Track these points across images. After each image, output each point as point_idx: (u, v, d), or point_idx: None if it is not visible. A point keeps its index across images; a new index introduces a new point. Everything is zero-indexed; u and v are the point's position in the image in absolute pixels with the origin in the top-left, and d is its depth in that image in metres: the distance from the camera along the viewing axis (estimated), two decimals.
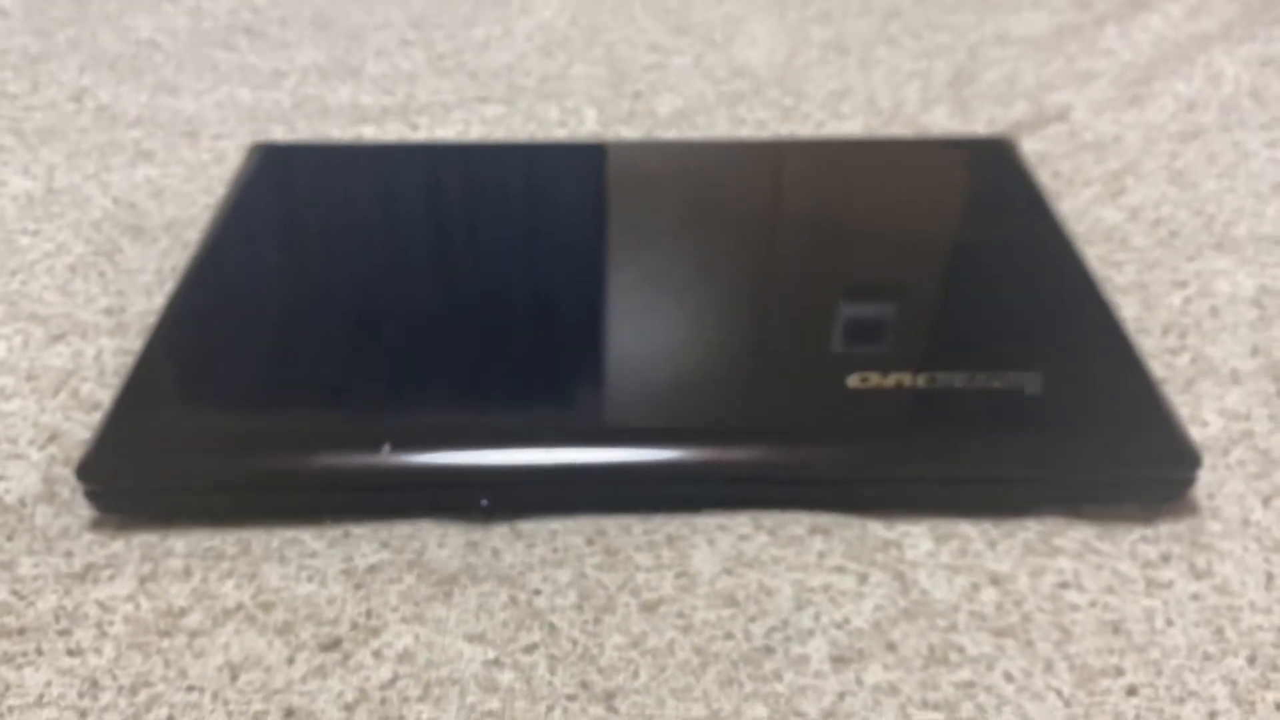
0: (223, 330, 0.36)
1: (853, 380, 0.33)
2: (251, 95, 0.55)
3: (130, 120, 0.52)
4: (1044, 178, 0.47)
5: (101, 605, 0.28)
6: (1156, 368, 0.37)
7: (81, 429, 0.35)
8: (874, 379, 0.33)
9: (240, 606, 0.28)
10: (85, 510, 0.32)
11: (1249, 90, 0.52)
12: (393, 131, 0.51)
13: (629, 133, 0.52)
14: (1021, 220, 0.41)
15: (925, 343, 0.35)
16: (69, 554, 0.30)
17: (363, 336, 0.36)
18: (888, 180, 0.44)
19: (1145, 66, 0.55)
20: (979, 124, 0.51)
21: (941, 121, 0.52)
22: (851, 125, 0.52)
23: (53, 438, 0.34)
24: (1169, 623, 0.28)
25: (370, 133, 0.51)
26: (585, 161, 0.46)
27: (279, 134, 0.51)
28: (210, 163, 0.49)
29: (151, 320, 0.38)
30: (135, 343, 0.38)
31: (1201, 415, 0.35)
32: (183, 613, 0.28)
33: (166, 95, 0.55)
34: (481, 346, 0.35)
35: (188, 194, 0.47)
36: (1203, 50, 0.54)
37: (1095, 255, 0.43)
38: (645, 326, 0.35)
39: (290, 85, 0.55)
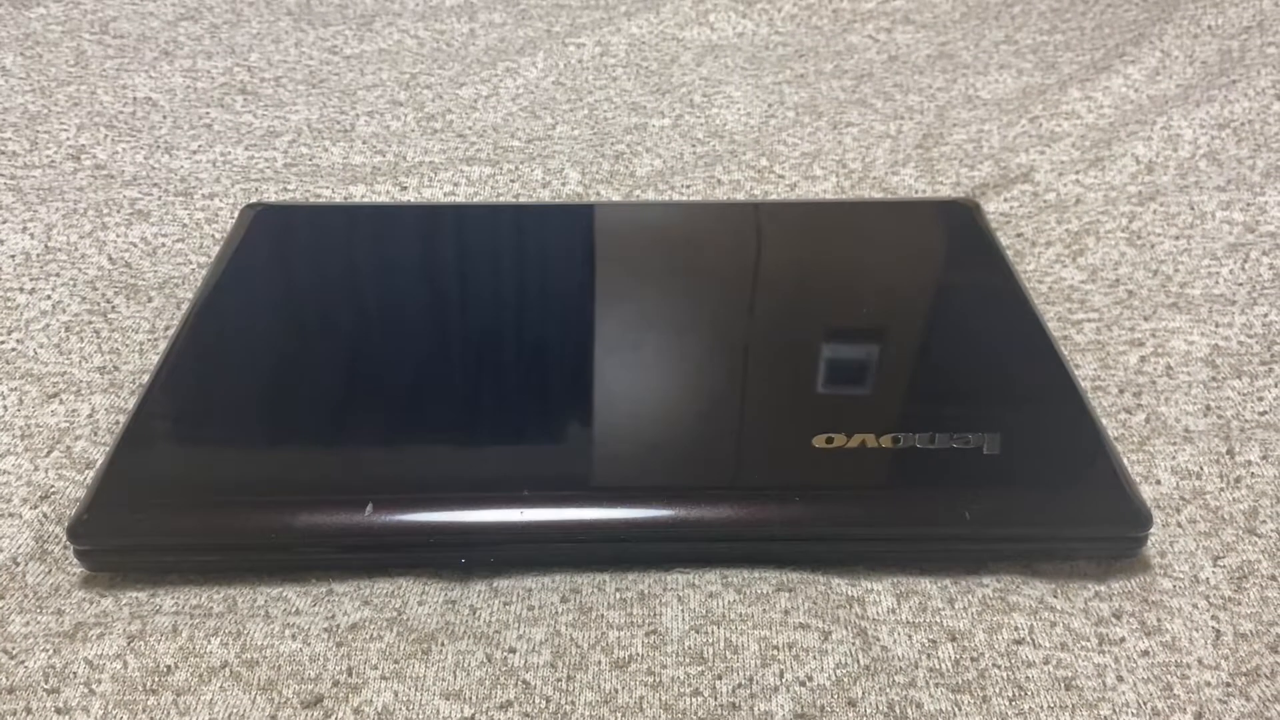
0: (212, 390, 0.37)
1: (818, 441, 0.34)
2: (245, 155, 0.56)
3: (127, 179, 0.54)
4: (1007, 238, 0.49)
5: (90, 664, 0.29)
6: (1112, 426, 0.38)
7: (74, 487, 0.36)
8: (839, 440, 0.34)
9: (225, 664, 0.29)
10: (76, 568, 0.33)
11: (1206, 152, 0.54)
12: (382, 192, 0.53)
13: (610, 193, 0.53)
14: (984, 281, 0.42)
15: (889, 404, 0.36)
16: (59, 612, 0.31)
17: (349, 397, 0.37)
18: (854, 242, 0.45)
19: (1106, 128, 0.57)
20: (946, 185, 0.53)
21: (909, 182, 0.53)
22: (823, 186, 0.53)
23: (45, 496, 0.35)
24: (1119, 679, 0.29)
25: (360, 192, 0.53)
26: (568, 222, 0.47)
27: (271, 193, 0.53)
28: (204, 222, 0.51)
29: (144, 379, 0.39)
30: (128, 401, 0.40)
31: (1155, 473, 0.36)
32: (169, 670, 0.29)
33: (162, 154, 0.56)
34: (463, 407, 0.36)
35: (181, 253, 0.49)
36: (1162, 112, 0.57)
37: (1055, 314, 0.44)
38: (620, 389, 0.37)
39: (283, 145, 0.57)
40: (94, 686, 0.29)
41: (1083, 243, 0.48)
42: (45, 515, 0.35)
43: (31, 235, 0.49)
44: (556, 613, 0.31)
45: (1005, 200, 0.52)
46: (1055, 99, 0.59)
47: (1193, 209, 0.50)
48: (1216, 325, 0.43)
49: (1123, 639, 0.31)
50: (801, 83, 0.64)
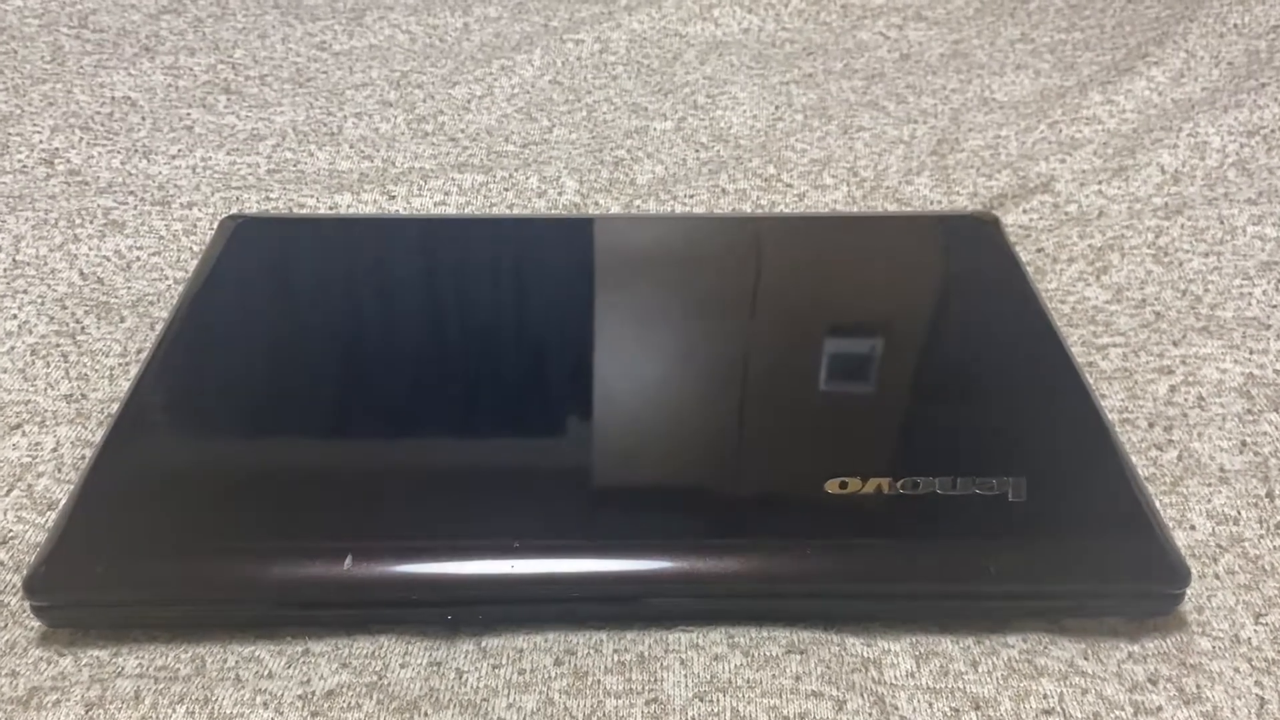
0: (184, 425, 0.35)
1: (831, 486, 0.32)
2: (227, 160, 0.54)
3: (102, 186, 0.51)
4: (1027, 253, 0.47)
5: None
6: (1142, 465, 0.36)
7: (34, 531, 0.33)
8: (852, 484, 0.32)
9: None
10: (33, 623, 0.30)
11: (1235, 161, 0.52)
12: (369, 201, 0.50)
13: (609, 202, 0.51)
14: (1005, 304, 0.40)
15: (906, 444, 0.34)
16: (14, 674, 0.29)
17: (331, 434, 0.35)
18: (868, 260, 0.43)
19: (1130, 135, 0.54)
20: (962, 195, 0.51)
21: (924, 192, 0.51)
22: (834, 195, 0.51)
23: (2, 541, 0.33)
24: None
25: (346, 201, 0.50)
26: (564, 238, 0.45)
27: (253, 201, 0.50)
28: (181, 233, 0.48)
29: (113, 409, 0.37)
30: (95, 433, 0.37)
31: (1189, 518, 0.34)
32: None
33: (140, 159, 0.54)
34: (451, 448, 0.34)
35: (157, 267, 0.46)
36: (1188, 118, 0.54)
37: (1079, 338, 0.42)
38: (618, 429, 0.35)
39: (266, 149, 0.55)
40: None
41: (1106, 259, 0.46)
42: (1, 563, 0.32)
43: None
44: (549, 677, 0.29)
45: (1024, 212, 0.50)
46: (1075, 102, 0.57)
47: (1222, 223, 0.48)
48: (1250, 352, 0.41)
49: (1160, 708, 0.28)
50: (810, 83, 0.61)
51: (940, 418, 0.35)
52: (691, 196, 0.51)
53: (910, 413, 0.36)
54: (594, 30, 0.66)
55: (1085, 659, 0.30)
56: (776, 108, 0.58)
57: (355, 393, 0.36)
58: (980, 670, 0.29)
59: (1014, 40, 0.66)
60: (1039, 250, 0.47)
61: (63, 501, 0.33)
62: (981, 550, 0.30)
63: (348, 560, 0.30)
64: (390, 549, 0.30)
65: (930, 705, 0.28)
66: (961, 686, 0.29)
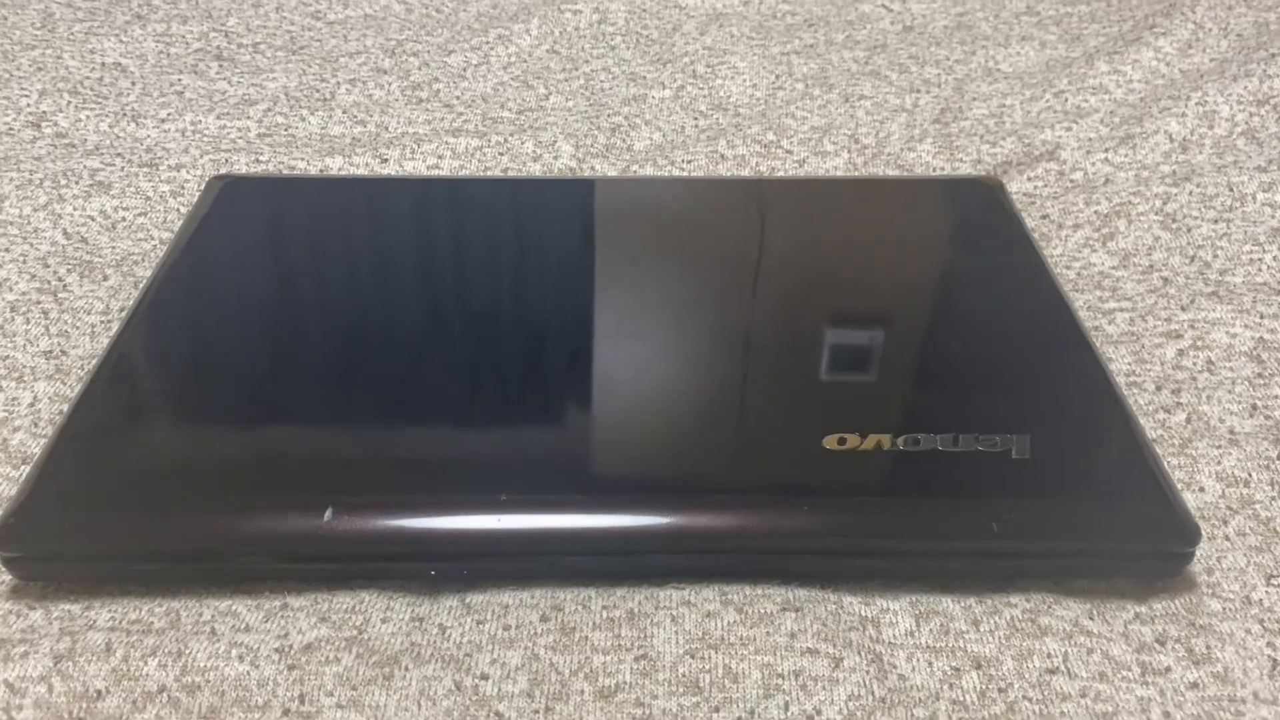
0: (164, 379, 0.34)
1: (829, 442, 0.31)
2: (217, 124, 0.53)
3: (89, 148, 0.50)
4: (1032, 220, 0.46)
5: (10, 687, 0.26)
6: (1150, 426, 0.35)
7: (8, 484, 0.32)
8: (851, 440, 0.31)
9: (163, 689, 0.26)
10: (4, 576, 0.29)
11: (1244, 130, 0.51)
12: (361, 164, 0.49)
13: (605, 167, 0.50)
14: (1009, 267, 0.39)
15: (906, 401, 0.33)
16: None
17: (312, 388, 0.34)
18: (870, 223, 0.42)
19: (1137, 104, 0.53)
20: (966, 162, 0.50)
21: (927, 159, 0.50)
22: (834, 162, 0.50)
23: None
24: (1166, 715, 0.26)
25: (338, 165, 0.49)
26: (560, 199, 0.44)
27: (243, 165, 0.49)
28: (169, 195, 0.47)
29: (93, 365, 0.36)
30: (74, 389, 0.36)
31: (1198, 480, 0.33)
32: (99, 696, 0.26)
33: (129, 122, 0.53)
34: (436, 400, 0.33)
35: (143, 227, 0.45)
36: (1196, 88, 0.53)
37: (1085, 303, 0.41)
38: (608, 384, 0.33)
39: (258, 114, 0.53)
40: (13, 714, 0.26)
41: (1113, 226, 0.45)
42: None
43: None
44: (535, 633, 0.28)
45: (1029, 179, 0.49)
46: (1081, 72, 0.55)
47: (1231, 190, 0.46)
48: (1261, 316, 0.39)
49: (1168, 669, 0.27)
50: (811, 53, 0.60)
51: (943, 376, 0.34)
52: (689, 162, 0.50)
53: (912, 370, 0.35)
54: (592, 1, 0.65)
55: (1090, 619, 0.29)
56: (777, 77, 0.57)
57: (339, 347, 0.35)
58: (982, 629, 0.28)
59: (1019, 13, 0.64)
60: (1044, 217, 0.46)
61: (38, 454, 0.32)
62: (985, 507, 0.29)
63: (328, 513, 0.29)
64: (372, 502, 0.29)
65: (930, 664, 0.27)
66: (962, 645, 0.28)
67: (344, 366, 0.35)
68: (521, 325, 0.36)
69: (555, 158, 0.50)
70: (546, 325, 0.36)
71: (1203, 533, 0.29)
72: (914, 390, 0.34)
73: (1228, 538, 0.31)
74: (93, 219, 0.45)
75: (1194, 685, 0.27)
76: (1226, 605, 0.29)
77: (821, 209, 0.43)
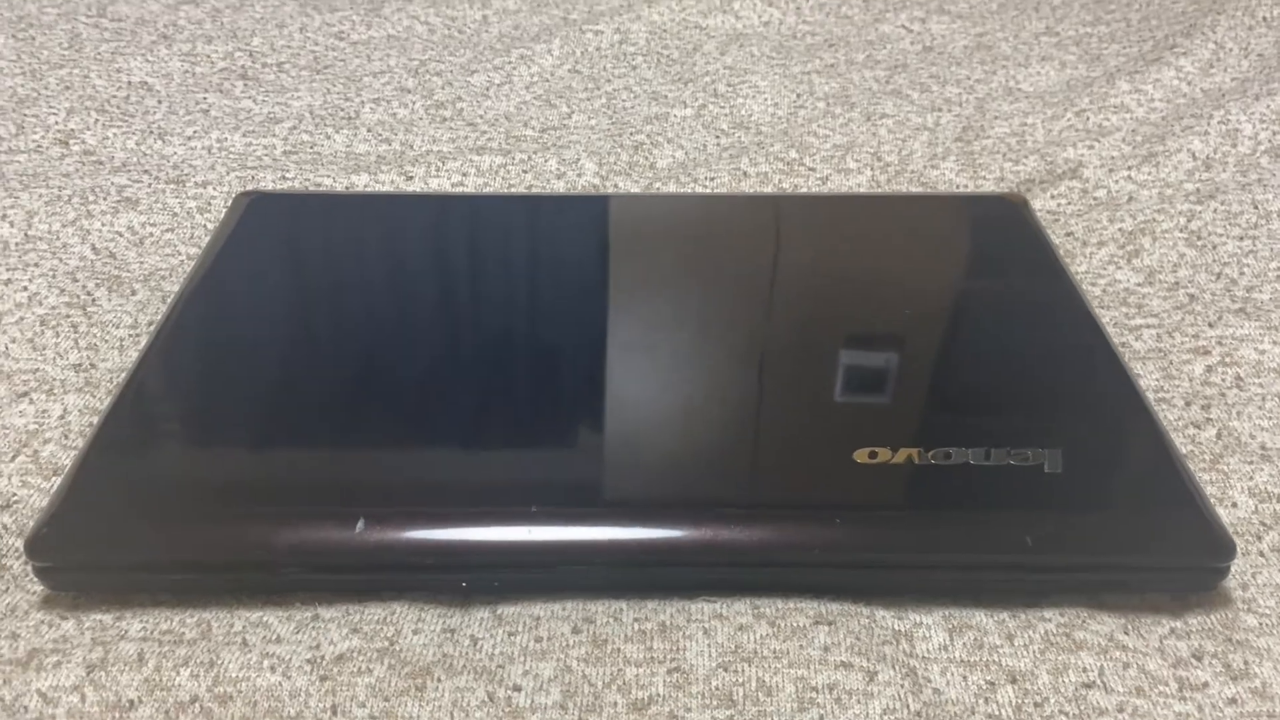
0: (193, 392, 0.34)
1: (860, 455, 0.31)
2: (243, 141, 0.53)
3: (116, 165, 0.51)
4: (1056, 236, 0.46)
5: (44, 696, 0.26)
6: (1180, 441, 0.35)
7: (39, 495, 0.33)
8: (882, 454, 0.31)
9: (195, 699, 0.26)
10: (36, 586, 0.29)
11: (1268, 148, 0.51)
12: (386, 181, 0.50)
13: (628, 185, 0.50)
14: (1035, 282, 0.39)
15: (936, 415, 0.33)
16: (14, 636, 0.28)
17: (341, 404, 0.34)
18: (896, 239, 0.42)
19: (1159, 123, 0.53)
20: (988, 180, 0.50)
21: (950, 177, 0.50)
22: (857, 180, 0.50)
23: (6, 505, 0.32)
24: None
25: (363, 182, 0.50)
26: (582, 214, 0.44)
27: (269, 181, 0.50)
28: (195, 211, 0.48)
29: (121, 379, 0.36)
30: (104, 401, 0.36)
31: (1230, 495, 0.33)
32: (132, 706, 0.26)
33: (155, 140, 0.53)
34: (466, 413, 0.33)
35: (170, 243, 0.46)
36: (1219, 106, 0.53)
37: (1111, 319, 0.41)
38: (638, 395, 0.33)
39: (283, 131, 0.54)
40: None
41: (1138, 243, 0.45)
42: (5, 526, 0.31)
43: (10, 223, 0.46)
44: (567, 645, 0.28)
45: (1052, 197, 0.49)
46: (1103, 91, 0.56)
47: (1256, 208, 0.46)
48: None
49: (1206, 684, 0.27)
50: (832, 72, 0.60)
51: (972, 390, 0.34)
52: (712, 179, 0.50)
53: (942, 385, 0.34)
54: (613, 22, 0.66)
55: (1125, 634, 0.28)
56: (798, 96, 0.58)
57: (367, 360, 0.36)
58: (1016, 644, 0.28)
59: (1038, 33, 0.65)
60: (1068, 234, 0.46)
61: (68, 465, 0.32)
62: (1018, 521, 0.29)
63: (359, 524, 0.29)
64: (404, 513, 0.29)
65: (964, 678, 0.27)
66: (997, 659, 0.28)
67: (372, 379, 0.35)
68: (552, 338, 0.36)
69: (579, 175, 0.50)
70: (577, 338, 0.36)
71: (1237, 548, 0.29)
72: (944, 405, 0.34)
73: (1262, 554, 0.31)
74: (120, 234, 0.46)
75: (1232, 701, 0.27)
76: (1263, 621, 0.29)
77: (851, 224, 0.43)
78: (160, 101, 0.57)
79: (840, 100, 0.57)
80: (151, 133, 0.54)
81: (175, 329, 0.36)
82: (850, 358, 0.35)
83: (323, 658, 0.27)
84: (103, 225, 0.46)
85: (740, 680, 0.27)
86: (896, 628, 0.28)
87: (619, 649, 0.28)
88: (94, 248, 0.45)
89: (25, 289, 0.42)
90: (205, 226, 0.47)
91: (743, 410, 0.33)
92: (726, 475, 0.31)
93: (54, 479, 0.33)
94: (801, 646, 0.27)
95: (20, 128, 0.54)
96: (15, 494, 0.32)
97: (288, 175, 0.50)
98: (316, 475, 0.31)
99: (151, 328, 0.40)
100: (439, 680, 0.27)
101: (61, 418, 0.36)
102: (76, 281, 0.42)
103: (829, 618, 0.28)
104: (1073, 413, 0.33)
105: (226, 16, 0.68)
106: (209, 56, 0.62)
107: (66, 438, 0.35)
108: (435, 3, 0.70)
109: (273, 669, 0.27)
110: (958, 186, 0.49)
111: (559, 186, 0.50)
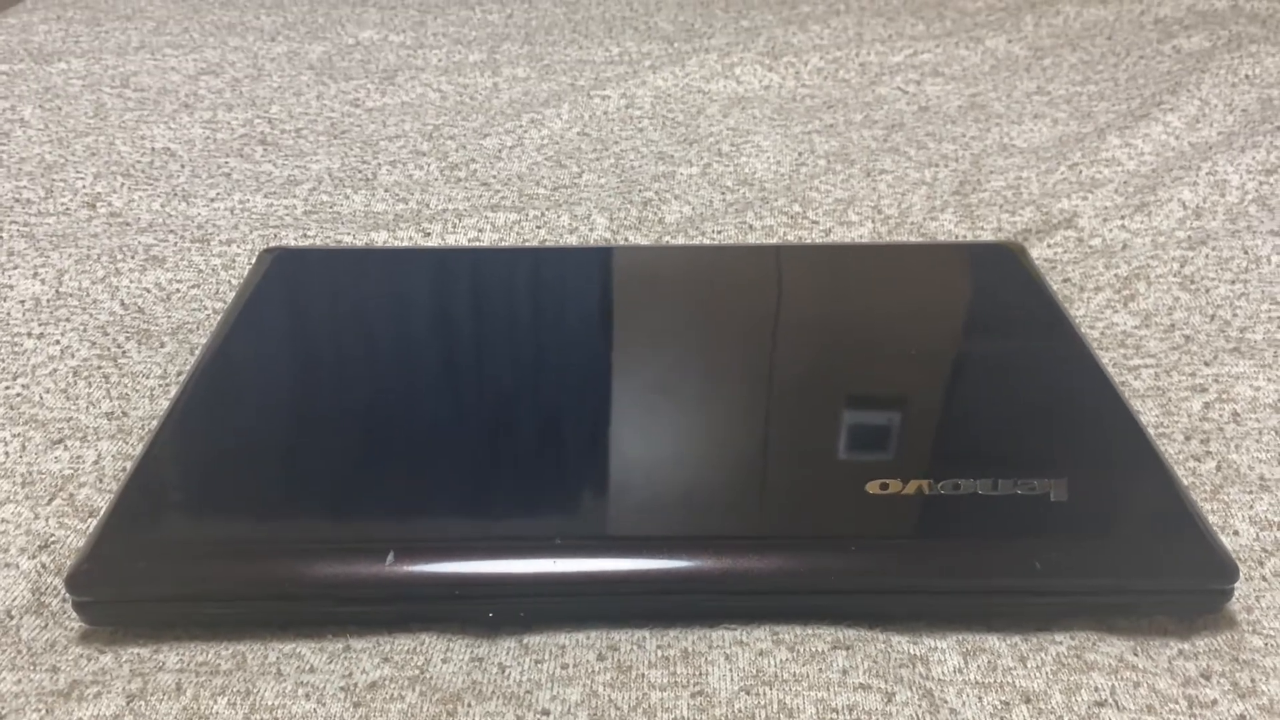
0: (224, 436, 0.35)
1: (872, 487, 0.32)
2: (264, 202, 0.55)
3: (142, 226, 0.53)
4: (1054, 283, 0.47)
5: None
6: (1181, 473, 0.36)
7: (75, 536, 0.34)
8: (894, 485, 0.32)
9: None
10: (75, 622, 0.30)
11: (1255, 197, 0.53)
12: (405, 238, 0.51)
13: (639, 239, 0.52)
14: (1036, 324, 0.40)
15: (946, 448, 0.34)
16: (54, 669, 0.29)
17: (368, 444, 0.35)
18: (899, 285, 0.44)
19: (1149, 175, 0.55)
20: (986, 230, 0.52)
21: (948, 228, 0.52)
22: (859, 232, 0.52)
23: (44, 546, 0.33)
24: None
25: (382, 239, 0.51)
26: (594, 265, 0.46)
27: (290, 239, 0.51)
28: (220, 268, 0.49)
29: (154, 425, 0.37)
30: (135, 447, 0.38)
31: (1231, 524, 0.34)
32: None
33: (179, 202, 0.55)
34: (489, 454, 0.34)
35: (196, 298, 0.47)
36: (1206, 158, 0.55)
37: (1110, 360, 0.42)
38: (657, 433, 0.35)
39: (303, 193, 0.56)
40: None
41: (1133, 288, 0.46)
42: (44, 566, 0.32)
43: (42, 281, 0.47)
44: (593, 671, 0.28)
45: (1049, 246, 0.50)
46: (1094, 146, 0.58)
47: (1246, 253, 0.48)
48: None
49: (1215, 701, 0.28)
50: (831, 132, 0.62)
51: (980, 425, 0.35)
52: (719, 232, 0.52)
53: (951, 419, 0.36)
54: (619, 88, 0.68)
55: (1135, 655, 0.29)
56: (799, 154, 0.60)
57: (393, 402, 0.37)
58: (1029, 665, 0.29)
59: (1030, 93, 0.67)
60: (1065, 280, 0.48)
61: (104, 507, 0.33)
62: (1027, 547, 0.30)
63: (389, 557, 0.30)
64: (431, 546, 0.30)
65: (980, 699, 0.28)
66: (1011, 681, 0.28)
67: (398, 421, 0.36)
68: (574, 380, 0.38)
69: (591, 230, 0.52)
70: (598, 380, 0.37)
71: (1240, 572, 0.30)
72: (953, 439, 0.35)
73: (1265, 578, 0.32)
74: (148, 290, 0.47)
75: (1241, 717, 0.27)
76: (1268, 641, 0.30)
77: (858, 272, 0.44)
78: (183, 166, 0.59)
79: (840, 158, 0.59)
80: (176, 195, 0.56)
81: (204, 377, 0.38)
82: (862, 396, 0.36)
83: (355, 685, 0.28)
84: (131, 282, 0.48)
85: (762, 703, 0.27)
86: (912, 652, 0.29)
87: (643, 674, 0.28)
88: (123, 303, 0.46)
89: (58, 342, 0.43)
90: (230, 282, 0.48)
91: (760, 446, 0.35)
92: (745, 508, 0.32)
93: (90, 520, 0.34)
94: (821, 670, 0.28)
95: (49, 191, 0.56)
96: (53, 534, 0.33)
97: (309, 234, 0.52)
98: (346, 512, 0.32)
99: (181, 377, 0.41)
100: (469, 706, 0.27)
101: (96, 463, 0.37)
102: (107, 335, 0.44)
103: (846, 642, 0.29)
104: (1076, 445, 0.34)
105: (245, 86, 0.70)
106: (229, 124, 0.65)
107: (101, 481, 0.36)
108: (447, 70, 0.72)
109: (307, 697, 0.28)
110: (957, 236, 0.51)
111: (572, 240, 0.52)
